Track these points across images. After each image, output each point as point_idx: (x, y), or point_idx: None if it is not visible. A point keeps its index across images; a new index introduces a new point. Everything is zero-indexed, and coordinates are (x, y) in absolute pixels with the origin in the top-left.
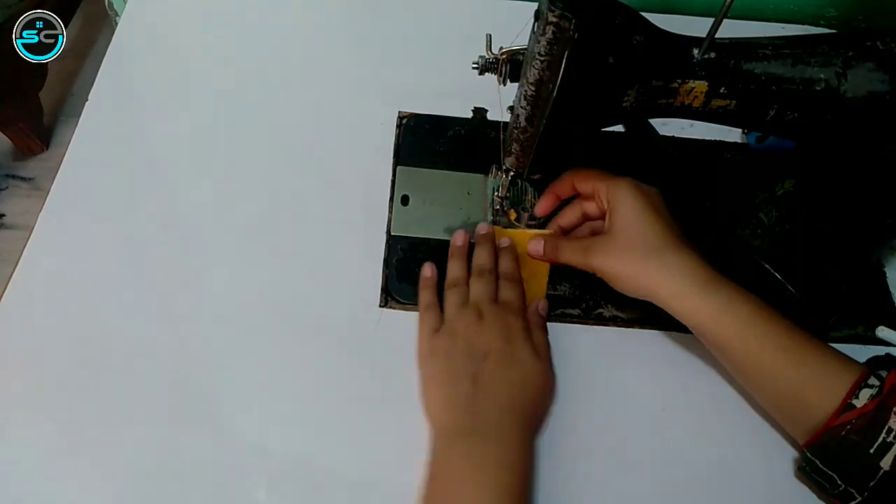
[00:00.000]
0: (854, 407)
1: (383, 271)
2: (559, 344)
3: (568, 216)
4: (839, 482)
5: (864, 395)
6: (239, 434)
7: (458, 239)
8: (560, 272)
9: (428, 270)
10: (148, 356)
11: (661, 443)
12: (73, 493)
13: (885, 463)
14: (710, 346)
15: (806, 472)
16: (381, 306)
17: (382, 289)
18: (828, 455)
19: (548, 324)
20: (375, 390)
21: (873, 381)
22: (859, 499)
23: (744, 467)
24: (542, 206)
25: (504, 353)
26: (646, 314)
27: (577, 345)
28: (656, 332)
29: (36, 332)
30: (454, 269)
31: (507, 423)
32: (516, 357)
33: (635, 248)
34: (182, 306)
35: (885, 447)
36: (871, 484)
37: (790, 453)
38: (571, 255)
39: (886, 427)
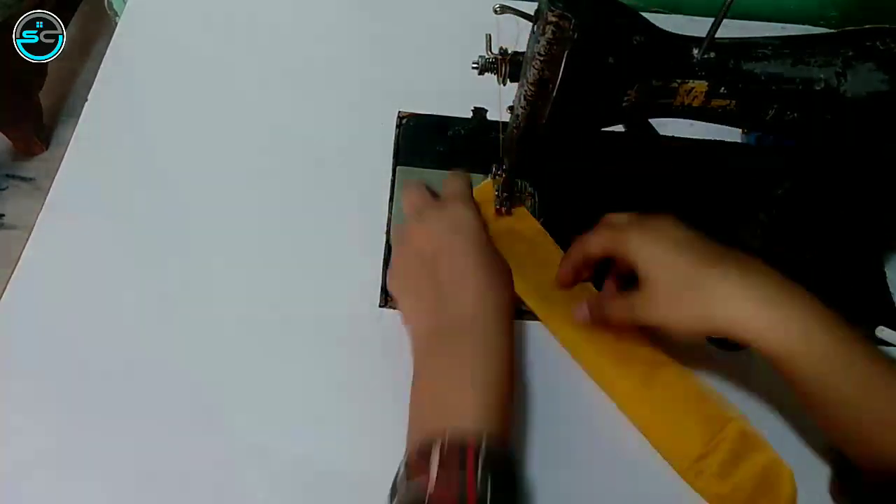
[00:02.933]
0: None
1: (383, 271)
2: (559, 344)
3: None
4: None
5: None
6: (239, 434)
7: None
8: None
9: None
10: (148, 356)
11: None
12: (73, 493)
13: None
14: (784, 373)
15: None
16: (380, 306)
17: (382, 289)
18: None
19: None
20: (375, 390)
21: None
22: None
23: None
24: (563, 280)
25: (453, 244)
26: None
27: None
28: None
29: (36, 332)
30: (405, 204)
31: (478, 314)
32: (468, 245)
33: (679, 289)
34: (182, 306)
35: None
36: None
37: (790, 453)
38: (619, 315)
39: None
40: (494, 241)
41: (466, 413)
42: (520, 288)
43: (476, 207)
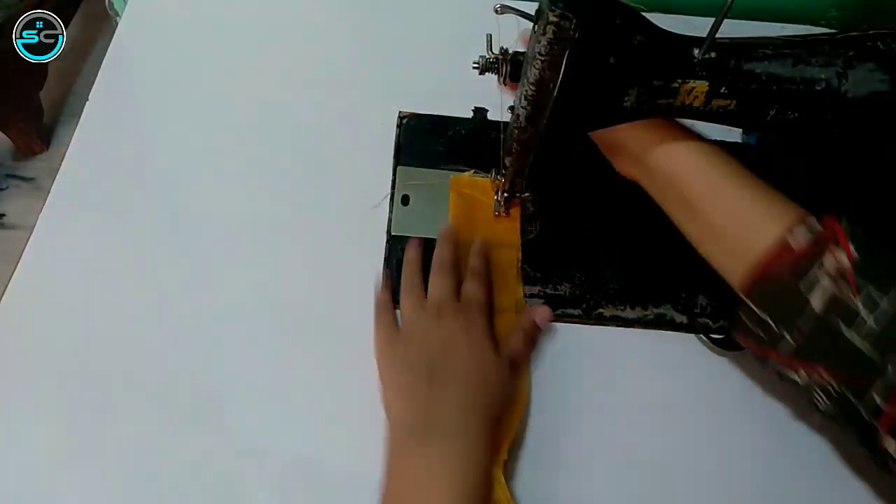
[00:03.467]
0: (791, 247)
1: (383, 271)
2: (559, 344)
3: None
4: (774, 326)
5: (801, 234)
6: (239, 434)
7: (411, 250)
8: (559, 272)
9: (385, 274)
10: (148, 356)
11: (661, 443)
12: (73, 493)
13: (814, 298)
14: (655, 181)
15: (744, 327)
16: None
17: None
18: (764, 298)
19: (549, 323)
20: (376, 390)
21: (811, 221)
22: (788, 338)
23: (744, 467)
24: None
25: (462, 347)
26: (646, 314)
27: (577, 345)
28: (656, 332)
29: (36, 332)
30: (408, 275)
31: (463, 420)
32: (475, 351)
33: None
34: (182, 306)
35: (813, 283)
36: (799, 322)
37: (791, 453)
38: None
39: (818, 262)
40: (489, 247)
41: None
42: None
43: (490, 317)
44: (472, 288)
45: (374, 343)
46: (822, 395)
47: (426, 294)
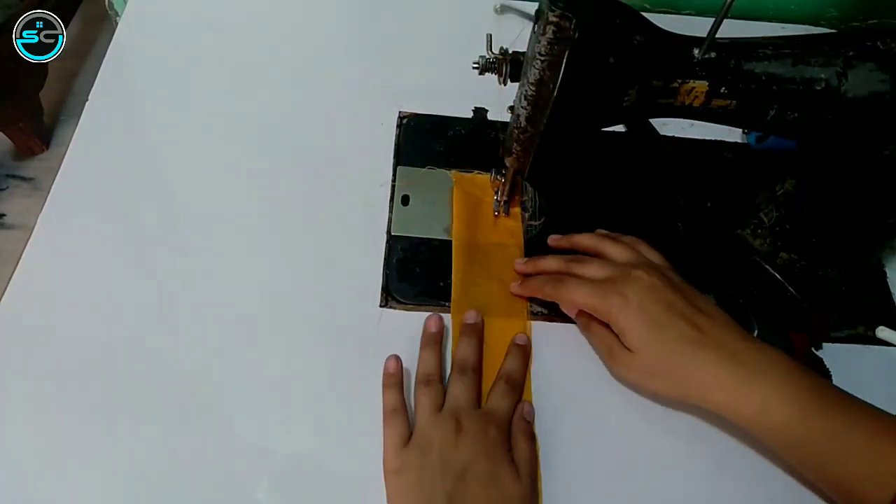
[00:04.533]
0: None
1: (383, 271)
2: (559, 344)
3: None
4: None
5: None
6: (239, 434)
7: (432, 325)
8: None
9: (392, 365)
10: (148, 356)
11: (661, 443)
12: (73, 493)
13: None
14: (758, 438)
15: None
16: (381, 306)
17: (382, 289)
18: None
19: (548, 323)
20: (376, 390)
21: None
22: None
23: (744, 467)
24: (522, 277)
25: (485, 473)
26: None
27: (577, 345)
28: None
29: (36, 332)
30: (427, 361)
31: None
32: (498, 478)
33: (656, 368)
34: (182, 306)
35: None
36: None
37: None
38: (596, 343)
39: None
40: (485, 249)
41: None
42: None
43: (530, 434)
44: (500, 402)
45: (383, 453)
46: None
47: (444, 389)
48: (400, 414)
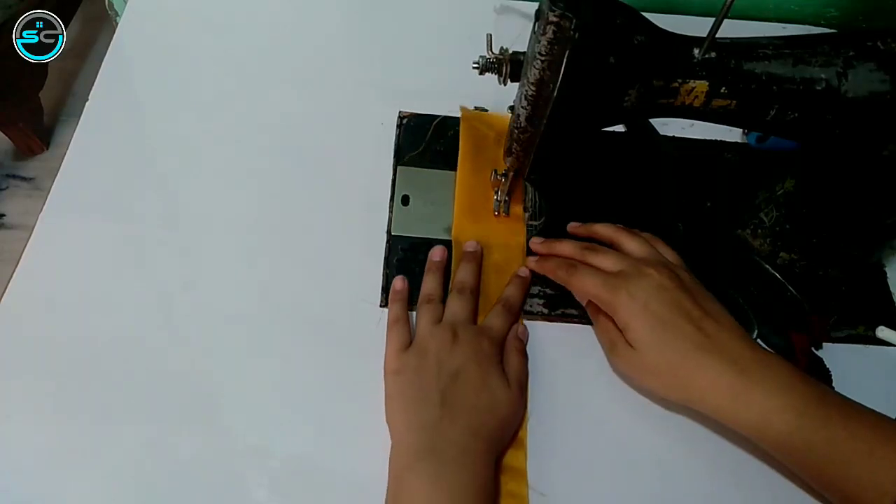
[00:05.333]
0: None
1: (383, 271)
2: (559, 344)
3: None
4: None
5: None
6: (239, 434)
7: (436, 254)
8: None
9: (398, 283)
10: (148, 356)
11: (661, 443)
12: (73, 493)
13: None
14: (757, 444)
15: None
16: (381, 306)
17: (382, 289)
18: None
19: (548, 323)
20: (376, 390)
21: None
22: None
23: (744, 467)
24: (538, 254)
25: (475, 376)
26: None
27: (577, 345)
28: None
29: (36, 332)
30: (430, 283)
31: (471, 447)
32: (487, 381)
33: (660, 369)
34: (182, 306)
35: None
36: None
37: None
38: (599, 336)
39: None
40: (485, 186)
41: None
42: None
43: (522, 351)
44: (497, 321)
45: (385, 356)
46: None
47: (444, 307)
48: (402, 324)
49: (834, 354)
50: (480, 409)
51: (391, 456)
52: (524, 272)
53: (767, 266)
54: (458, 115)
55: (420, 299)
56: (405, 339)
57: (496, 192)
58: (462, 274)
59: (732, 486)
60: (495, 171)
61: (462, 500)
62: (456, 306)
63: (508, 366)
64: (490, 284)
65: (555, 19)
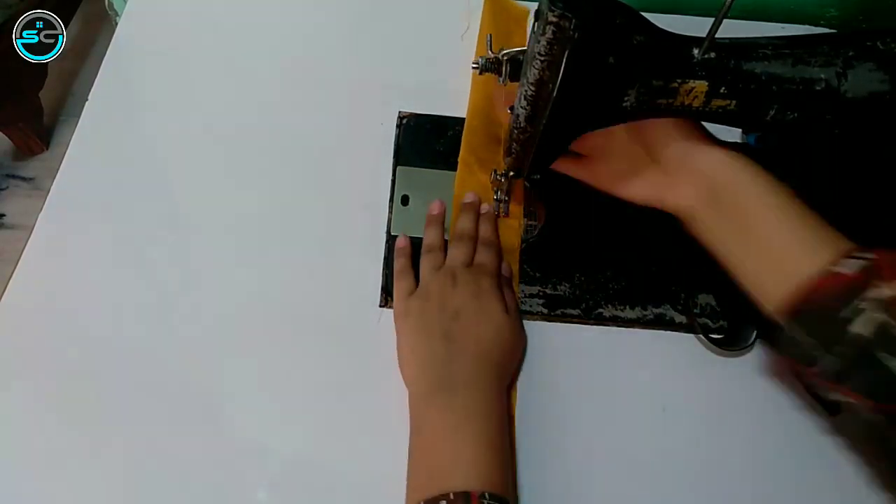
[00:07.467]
0: (839, 274)
1: (383, 271)
2: (559, 344)
3: None
4: (813, 348)
5: (851, 264)
6: (239, 434)
7: (435, 207)
8: (559, 272)
9: (402, 241)
10: (148, 356)
11: (661, 443)
12: (73, 493)
13: (858, 327)
14: (708, 204)
15: (786, 343)
16: (381, 306)
17: (382, 289)
18: (805, 321)
19: (548, 323)
20: (376, 390)
21: (862, 253)
22: (826, 361)
23: (744, 467)
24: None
25: (475, 310)
26: (646, 314)
27: (578, 345)
28: (656, 332)
29: (36, 332)
30: (430, 234)
31: (481, 375)
32: (487, 313)
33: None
34: (182, 306)
35: (858, 312)
36: (839, 348)
37: (790, 453)
38: (564, 167)
39: (865, 293)
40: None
41: (469, 470)
42: None
43: (500, 284)
44: (485, 257)
45: (394, 300)
46: (855, 419)
47: (444, 256)
48: (407, 272)
49: None
50: (484, 338)
51: (409, 400)
52: (485, 208)
53: None
54: (458, 115)
55: (423, 250)
56: (411, 285)
57: (496, 192)
58: (462, 222)
59: (733, 486)
60: (495, 171)
61: (477, 422)
62: (456, 252)
63: (505, 298)
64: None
65: (554, 19)
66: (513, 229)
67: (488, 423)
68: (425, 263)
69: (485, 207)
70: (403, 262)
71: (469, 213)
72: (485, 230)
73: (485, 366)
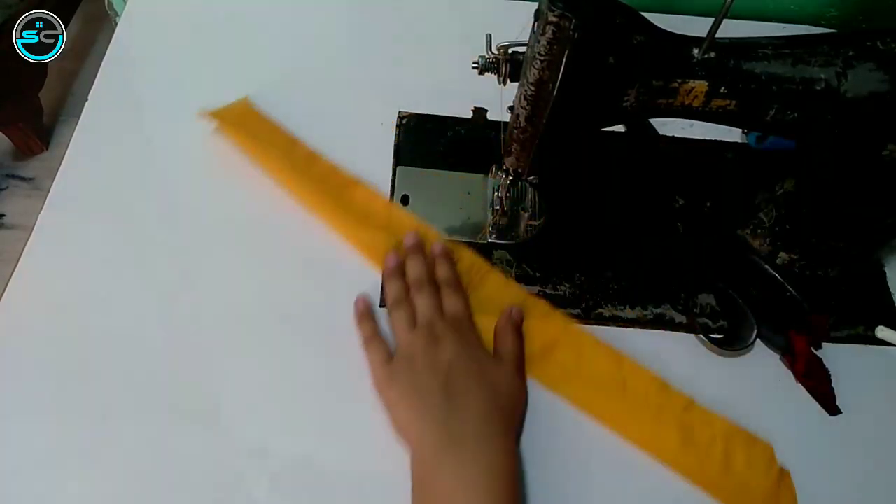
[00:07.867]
0: None
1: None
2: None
3: None
4: None
5: None
6: (239, 434)
7: (391, 261)
8: (559, 272)
9: (361, 304)
10: (148, 356)
11: None
12: (73, 493)
13: None
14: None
15: None
16: (381, 306)
17: (382, 289)
18: None
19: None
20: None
21: None
22: None
23: None
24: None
25: (466, 362)
26: (646, 314)
27: None
28: (656, 332)
29: (36, 332)
30: (392, 288)
31: (486, 430)
32: (479, 364)
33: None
34: (182, 306)
35: None
36: None
37: (789, 453)
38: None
39: None
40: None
41: None
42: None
43: (515, 331)
44: (453, 303)
45: (371, 373)
46: None
47: (411, 306)
48: (378, 338)
49: (833, 354)
50: (483, 390)
51: (412, 462)
52: (437, 248)
53: (767, 266)
54: (458, 115)
55: (389, 305)
56: (385, 350)
57: (496, 191)
58: (413, 270)
59: None
60: (494, 167)
61: (487, 485)
62: (423, 303)
63: (503, 346)
64: (493, 283)
65: (554, 19)
66: (504, 284)
67: (499, 482)
68: (396, 321)
69: (437, 247)
70: (370, 329)
71: (417, 256)
72: (442, 272)
73: (488, 421)
